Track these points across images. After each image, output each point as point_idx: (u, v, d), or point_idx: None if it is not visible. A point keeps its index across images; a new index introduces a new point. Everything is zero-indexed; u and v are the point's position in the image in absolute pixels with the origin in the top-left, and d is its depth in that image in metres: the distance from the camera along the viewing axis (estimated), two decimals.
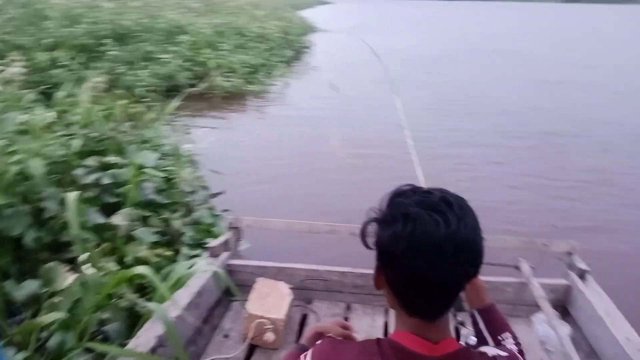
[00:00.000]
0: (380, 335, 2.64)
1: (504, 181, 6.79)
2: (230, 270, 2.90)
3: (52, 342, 2.31)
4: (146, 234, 3.55)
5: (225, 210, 4.61)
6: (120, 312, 2.53)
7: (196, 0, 20.65)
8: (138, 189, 3.96)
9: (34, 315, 2.57)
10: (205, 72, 11.90)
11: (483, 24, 41.10)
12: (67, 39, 11.04)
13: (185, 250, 3.70)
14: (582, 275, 2.76)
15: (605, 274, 3.06)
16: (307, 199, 6.03)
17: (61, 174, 3.89)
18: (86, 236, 3.17)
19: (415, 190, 1.00)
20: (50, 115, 4.69)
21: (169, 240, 3.88)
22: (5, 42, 9.74)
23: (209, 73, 11.73)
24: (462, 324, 2.33)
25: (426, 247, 0.90)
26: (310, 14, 34.65)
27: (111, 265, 2.93)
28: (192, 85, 11.09)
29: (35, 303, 2.63)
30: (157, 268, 3.19)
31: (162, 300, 2.36)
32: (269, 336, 2.47)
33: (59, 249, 3.34)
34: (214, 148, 6.36)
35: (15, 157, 3.36)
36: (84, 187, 3.79)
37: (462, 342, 1.23)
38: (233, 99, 11.39)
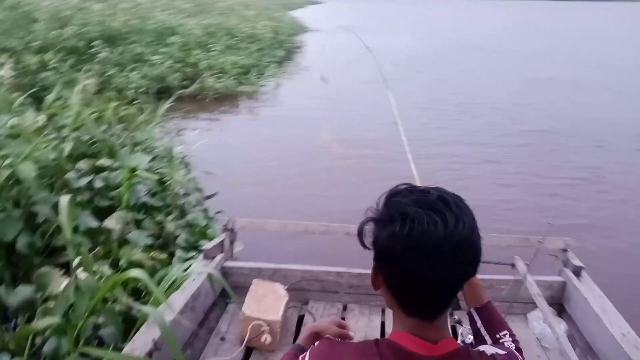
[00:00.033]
0: (378, 335, 2.64)
1: (498, 180, 6.82)
2: (226, 272, 2.89)
3: (47, 348, 2.28)
4: (140, 237, 3.53)
5: (219, 212, 4.59)
6: (115, 316, 2.51)
7: (186, 1, 20.59)
8: (131, 191, 3.93)
9: (29, 320, 2.54)
10: (197, 74, 11.87)
11: (475, 23, 41.24)
12: (56, 41, 10.97)
13: (179, 253, 3.68)
14: (577, 272, 2.78)
15: (599, 271, 3.07)
16: (301, 199, 6.03)
17: (53, 177, 3.86)
18: (79, 240, 3.15)
19: (412, 189, 0.99)
20: (40, 118, 4.65)
21: (163, 243, 3.86)
22: None
23: (200, 74, 11.70)
24: (459, 322, 2.33)
25: (424, 247, 0.89)
26: (302, 14, 34.65)
27: (105, 269, 2.91)
28: (184, 87, 11.06)
29: (30, 308, 2.61)
30: (152, 271, 3.17)
31: (157, 303, 2.34)
32: (266, 338, 2.47)
33: (52, 253, 3.31)
34: (207, 150, 6.33)
35: (6, 161, 3.32)
36: (76, 191, 3.76)
37: (459, 341, 1.23)
38: (225, 100, 11.37)
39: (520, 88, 13.37)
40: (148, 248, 3.51)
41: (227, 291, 2.57)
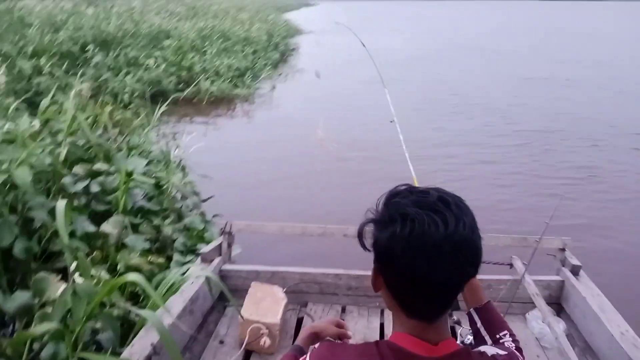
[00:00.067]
0: (377, 336, 2.64)
1: (495, 180, 6.83)
2: (224, 275, 2.89)
3: (45, 353, 2.27)
4: (137, 241, 3.51)
5: (217, 216, 4.58)
6: (114, 321, 2.50)
7: (180, 5, 20.59)
8: (128, 196, 3.92)
9: (26, 326, 2.53)
10: (192, 77, 11.87)
11: (470, 23, 41.37)
12: (51, 46, 10.95)
13: (177, 256, 3.67)
14: (575, 271, 2.78)
15: (598, 271, 3.08)
16: (298, 202, 6.03)
17: (49, 182, 3.85)
18: (76, 245, 3.13)
19: (411, 190, 0.99)
20: (35, 123, 4.63)
21: (161, 247, 3.85)
22: None
23: (195, 77, 11.69)
24: (459, 323, 2.34)
25: (425, 248, 0.88)
26: (296, 16, 34.69)
27: (103, 273, 2.90)
28: (179, 90, 11.05)
29: (27, 314, 2.59)
30: (150, 276, 3.16)
31: (155, 307, 2.34)
32: (265, 341, 2.46)
33: (49, 258, 3.29)
34: (203, 153, 6.33)
35: (1, 167, 3.31)
36: (72, 196, 3.75)
37: (458, 342, 1.23)
38: (220, 103, 11.37)
39: (516, 88, 13.41)
40: (145, 252, 3.50)
41: (226, 294, 2.56)
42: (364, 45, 3.74)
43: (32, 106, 6.60)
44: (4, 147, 3.62)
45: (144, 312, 2.16)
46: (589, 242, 4.82)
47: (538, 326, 2.66)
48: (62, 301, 2.37)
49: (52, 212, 3.16)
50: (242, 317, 2.50)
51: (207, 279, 2.63)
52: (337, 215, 5.10)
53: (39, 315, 2.44)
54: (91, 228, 3.45)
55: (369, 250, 0.99)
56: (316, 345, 1.10)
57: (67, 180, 3.80)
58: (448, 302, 0.97)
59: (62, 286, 2.58)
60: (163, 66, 11.72)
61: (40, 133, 4.65)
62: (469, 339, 2.08)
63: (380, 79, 3.38)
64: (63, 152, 4.18)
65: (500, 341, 1.31)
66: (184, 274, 2.80)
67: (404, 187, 1.00)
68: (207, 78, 11.82)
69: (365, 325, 2.75)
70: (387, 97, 3.13)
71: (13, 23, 11.79)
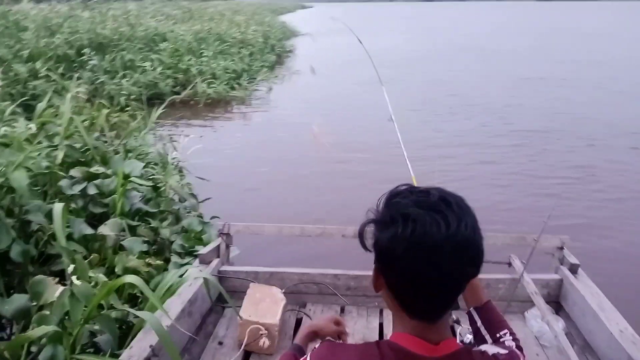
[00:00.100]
0: (376, 336, 2.64)
1: (492, 180, 6.83)
2: (222, 276, 2.88)
3: (43, 356, 2.26)
4: (135, 244, 3.50)
5: (214, 217, 4.57)
6: (112, 323, 2.49)
7: (175, 8, 20.60)
8: (125, 198, 3.91)
9: (24, 329, 2.52)
10: (188, 79, 11.87)
11: (466, 23, 41.45)
12: (47, 49, 10.94)
13: (175, 258, 3.66)
14: (573, 269, 2.78)
15: (597, 270, 3.07)
16: (296, 204, 6.02)
17: (46, 186, 3.84)
18: (73, 248, 3.13)
19: (412, 190, 0.98)
20: (31, 126, 4.63)
21: (159, 249, 3.84)
22: None
23: (192, 80, 11.69)
24: (458, 322, 2.33)
25: (427, 248, 0.88)
26: (292, 18, 34.73)
27: (100, 276, 2.89)
28: (175, 93, 11.04)
29: (24, 317, 2.58)
30: (148, 278, 3.15)
31: (153, 309, 2.33)
32: (264, 342, 2.45)
33: (46, 261, 3.29)
34: (201, 155, 6.32)
35: None
36: (69, 199, 3.75)
37: (458, 341, 1.23)
38: (217, 105, 11.36)
39: (514, 88, 13.42)
40: (143, 254, 3.49)
41: (224, 295, 2.55)
42: (360, 42, 3.73)
43: (28, 110, 6.59)
44: (1, 151, 3.62)
45: (143, 314, 2.16)
46: (587, 242, 4.81)
47: (537, 325, 2.66)
48: (60, 303, 2.37)
49: (49, 215, 3.16)
50: (240, 317, 2.49)
51: (206, 281, 2.62)
52: (336, 216, 5.10)
53: (37, 318, 2.43)
54: (88, 231, 3.44)
55: (369, 251, 0.98)
56: (316, 346, 1.09)
57: (64, 183, 3.80)
58: (449, 302, 0.97)
59: (60, 289, 2.57)
60: (159, 69, 11.72)
61: (37, 136, 4.65)
62: (469, 337, 2.08)
63: (377, 76, 3.37)
64: (60, 155, 4.17)
65: (501, 340, 1.30)
66: (182, 275, 2.79)
67: (404, 187, 1.00)
68: (204, 80, 11.81)
69: (365, 325, 2.74)
70: (384, 95, 3.13)
71: (8, 27, 11.77)
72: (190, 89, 11.08)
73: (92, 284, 2.60)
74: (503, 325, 1.37)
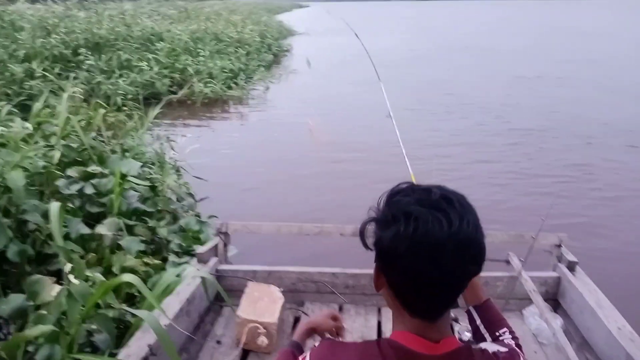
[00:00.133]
0: (374, 334, 2.64)
1: (489, 179, 6.83)
2: (220, 275, 2.87)
3: (40, 356, 2.25)
4: (132, 243, 3.49)
5: (212, 217, 4.57)
6: (109, 322, 2.48)
7: (172, 7, 20.57)
8: (122, 198, 3.90)
9: (20, 329, 2.51)
10: (185, 79, 11.85)
11: (463, 22, 41.46)
12: (43, 50, 10.92)
13: (173, 258, 3.65)
14: (571, 267, 2.78)
15: (595, 269, 3.07)
16: (294, 203, 6.01)
17: (43, 185, 3.83)
18: (70, 247, 3.12)
19: (414, 188, 0.97)
20: (28, 126, 4.61)
21: (156, 249, 3.83)
22: None
23: (189, 79, 11.68)
24: (456, 320, 2.33)
25: (429, 247, 0.87)
26: (288, 17, 34.71)
27: (98, 275, 2.88)
28: (172, 92, 11.03)
29: (21, 317, 2.57)
30: (145, 277, 3.15)
31: (151, 309, 2.32)
32: (262, 340, 2.44)
33: (43, 261, 3.28)
34: (198, 155, 6.31)
35: None
36: (66, 198, 3.73)
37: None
38: (214, 104, 11.36)
39: (509, 87, 13.43)
40: (141, 254, 3.48)
41: (222, 294, 2.55)
42: (357, 36, 3.73)
43: (24, 110, 6.57)
44: None
45: (141, 313, 2.15)
46: (584, 241, 4.81)
47: (535, 322, 2.66)
48: (57, 303, 2.36)
49: (46, 215, 3.15)
50: (239, 316, 2.49)
51: (203, 280, 2.61)
52: (336, 215, 5.09)
53: (34, 317, 2.42)
54: (86, 230, 3.43)
55: (370, 249, 0.97)
56: (316, 344, 1.09)
57: (61, 182, 3.79)
58: (451, 301, 0.96)
59: (57, 288, 2.56)
60: (156, 68, 11.71)
61: (34, 136, 4.64)
62: (467, 335, 2.08)
63: (374, 73, 3.37)
64: (56, 154, 4.16)
65: (500, 339, 1.30)
66: (179, 275, 2.78)
67: (405, 185, 0.99)
68: (201, 80, 11.80)
69: (363, 324, 2.74)
70: (382, 90, 3.12)
71: (4, 27, 11.75)
72: (187, 89, 11.07)
73: (90, 283, 2.60)
74: (502, 324, 1.36)
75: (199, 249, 2.98)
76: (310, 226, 3.02)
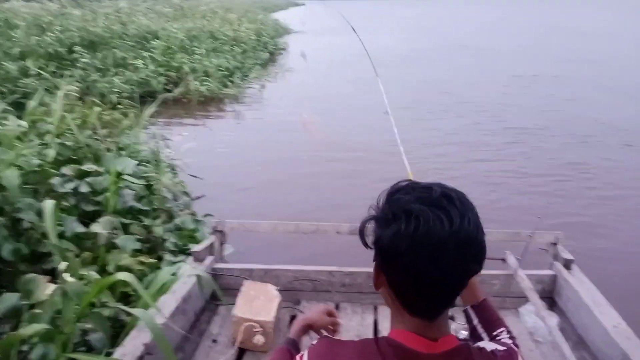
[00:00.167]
0: (371, 333, 2.63)
1: (485, 178, 6.83)
2: (216, 274, 2.86)
3: (34, 355, 2.24)
4: (127, 242, 3.48)
5: (208, 215, 4.55)
6: (104, 321, 2.47)
7: (167, 5, 20.52)
8: (117, 196, 3.89)
9: (14, 328, 2.49)
10: (180, 77, 11.82)
11: (460, 21, 41.43)
12: (37, 47, 10.88)
13: (168, 256, 3.64)
14: (567, 265, 2.78)
15: (592, 269, 3.07)
16: (291, 202, 5.99)
17: (37, 184, 3.81)
18: (65, 246, 3.10)
19: (413, 186, 0.96)
20: (22, 124, 4.59)
21: (152, 248, 3.82)
22: None
23: (184, 78, 11.65)
24: (452, 318, 2.33)
25: (430, 245, 0.87)
26: (284, 16, 34.66)
27: (93, 274, 2.87)
28: (168, 91, 10.99)
29: (15, 316, 2.56)
30: (141, 276, 3.13)
31: (146, 308, 2.31)
32: (258, 339, 2.43)
33: (37, 260, 3.26)
34: (193, 153, 6.29)
35: None
36: (61, 196, 3.72)
37: None
38: (209, 103, 11.32)
39: (505, 86, 13.44)
40: (136, 252, 3.47)
41: (218, 293, 2.53)
42: (354, 30, 3.72)
43: (19, 108, 6.54)
44: None
45: (136, 311, 2.14)
46: (584, 240, 4.82)
47: (531, 320, 2.66)
48: (52, 302, 2.34)
49: (40, 213, 3.14)
50: (235, 315, 2.48)
51: (199, 278, 2.60)
52: (332, 215, 5.09)
53: (28, 316, 2.41)
54: (80, 229, 3.42)
55: (370, 248, 0.97)
56: (314, 342, 1.08)
57: (55, 180, 3.77)
58: (451, 300, 0.96)
59: (51, 287, 2.54)
60: (152, 67, 11.67)
61: (28, 134, 4.62)
62: (463, 334, 2.07)
63: (372, 68, 3.36)
64: (51, 152, 4.14)
65: (497, 338, 1.30)
66: (175, 273, 2.77)
67: (405, 183, 0.98)
68: (197, 78, 11.77)
69: (359, 322, 2.73)
70: (379, 86, 3.11)
71: None
72: (183, 87, 11.04)
73: (85, 282, 2.58)
74: (500, 323, 1.36)
75: (195, 248, 2.96)
76: (307, 224, 3.01)
